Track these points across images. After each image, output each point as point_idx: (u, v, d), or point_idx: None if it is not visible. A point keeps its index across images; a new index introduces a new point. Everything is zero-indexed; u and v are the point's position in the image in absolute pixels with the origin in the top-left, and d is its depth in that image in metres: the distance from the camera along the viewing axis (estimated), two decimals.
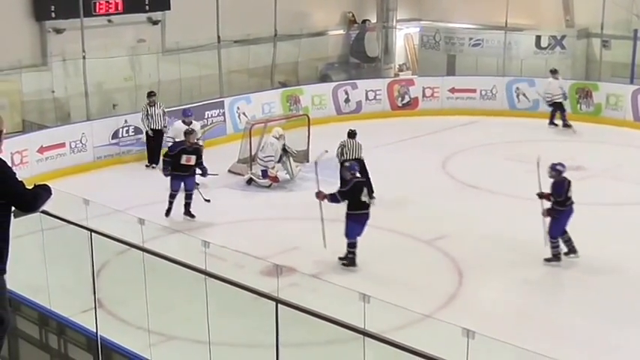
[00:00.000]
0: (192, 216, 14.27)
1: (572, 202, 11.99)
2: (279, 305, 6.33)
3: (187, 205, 14.29)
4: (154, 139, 17.65)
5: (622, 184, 15.56)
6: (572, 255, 12.10)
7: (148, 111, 17.63)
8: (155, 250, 8.31)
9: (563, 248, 12.10)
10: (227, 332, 8.93)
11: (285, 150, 16.62)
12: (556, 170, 12.05)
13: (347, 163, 13.14)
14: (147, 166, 17.71)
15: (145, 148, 17.97)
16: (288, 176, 16.56)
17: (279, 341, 6.51)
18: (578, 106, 21.36)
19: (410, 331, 8.52)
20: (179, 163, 14.11)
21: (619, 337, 9.91)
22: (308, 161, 17.35)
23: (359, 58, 25.50)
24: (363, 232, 12.10)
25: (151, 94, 17.84)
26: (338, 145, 14.71)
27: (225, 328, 8.85)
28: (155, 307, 8.94)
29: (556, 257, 12.02)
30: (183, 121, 16.55)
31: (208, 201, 14.59)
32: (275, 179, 15.89)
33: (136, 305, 9.00)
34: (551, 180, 12.05)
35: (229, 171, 17.08)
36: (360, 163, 13.83)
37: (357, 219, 11.99)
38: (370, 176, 13.94)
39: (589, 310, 10.63)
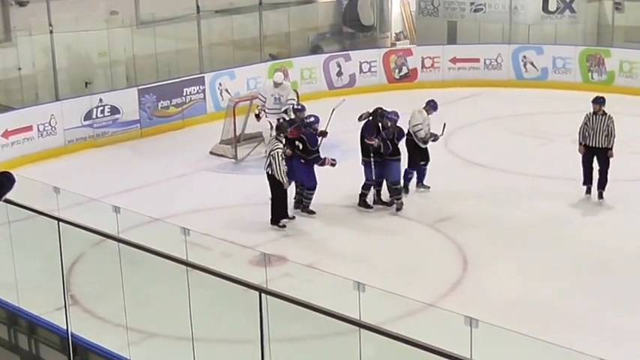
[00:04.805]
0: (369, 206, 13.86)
1: None
2: (266, 297, 6.30)
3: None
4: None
5: (638, 158, 15.57)
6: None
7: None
8: (132, 241, 8.33)
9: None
10: (213, 328, 8.93)
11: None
12: None
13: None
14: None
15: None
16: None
17: (265, 335, 6.51)
18: (590, 74, 21.36)
19: (410, 322, 8.55)
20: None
21: (632, 323, 9.94)
22: None
23: (353, 27, 25.44)
24: None
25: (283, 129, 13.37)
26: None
27: (211, 324, 8.86)
28: (134, 303, 8.95)
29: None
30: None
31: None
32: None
33: (114, 301, 9.02)
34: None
35: (211, 152, 17.10)
36: None
37: None
38: None
39: (602, 296, 10.66)
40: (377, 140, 13.49)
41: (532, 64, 22.00)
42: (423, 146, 14.36)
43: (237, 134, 17.03)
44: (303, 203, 13.60)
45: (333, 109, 14.13)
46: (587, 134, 13.51)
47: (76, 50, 19.78)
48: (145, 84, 19.14)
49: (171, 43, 21.33)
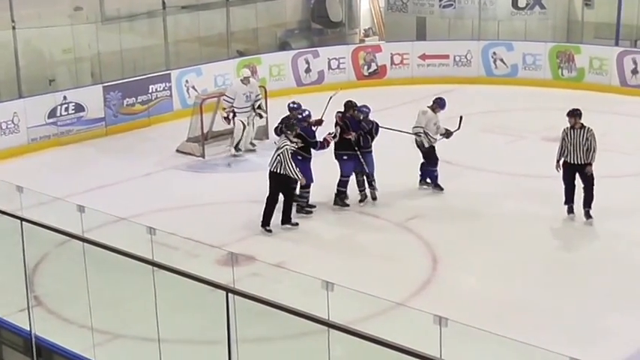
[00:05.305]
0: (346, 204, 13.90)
1: None
2: (234, 297, 6.31)
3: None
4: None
5: (608, 155, 15.69)
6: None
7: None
8: (97, 240, 8.30)
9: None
10: (179, 328, 8.92)
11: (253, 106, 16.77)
12: None
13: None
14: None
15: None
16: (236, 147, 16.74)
17: (232, 336, 6.52)
18: (560, 71, 21.53)
19: (379, 321, 8.58)
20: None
21: (606, 322, 10.02)
22: (268, 138, 17.33)
23: (321, 24, 25.44)
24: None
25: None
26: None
27: (178, 324, 8.85)
28: (99, 303, 8.92)
29: None
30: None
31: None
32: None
33: (79, 302, 8.98)
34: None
35: (178, 150, 17.05)
36: None
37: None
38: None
39: (574, 294, 10.75)
40: (354, 134, 13.57)
41: (502, 60, 22.14)
42: (423, 149, 14.28)
43: (205, 132, 16.99)
44: (299, 203, 13.57)
45: (330, 97, 14.17)
46: (566, 150, 12.70)
47: (40, 47, 19.61)
48: (110, 81, 19.03)
49: (136, 39, 21.22)
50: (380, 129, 13.94)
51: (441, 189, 14.39)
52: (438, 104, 14.40)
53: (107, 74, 19.80)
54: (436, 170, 14.42)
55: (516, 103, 20.10)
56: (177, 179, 15.74)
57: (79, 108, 18.16)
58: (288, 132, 13.02)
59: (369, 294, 7.52)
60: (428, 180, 14.53)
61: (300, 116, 13.61)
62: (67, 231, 8.63)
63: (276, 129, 13.69)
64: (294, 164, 12.72)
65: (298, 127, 13.23)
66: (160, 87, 19.51)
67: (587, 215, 12.82)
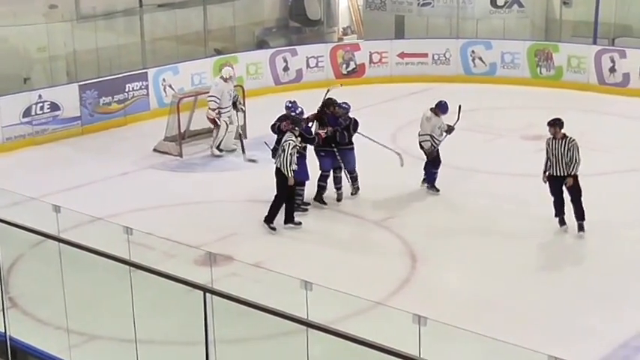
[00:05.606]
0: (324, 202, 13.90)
1: None
2: (212, 297, 6.29)
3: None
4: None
5: (587, 153, 15.76)
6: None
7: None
8: (73, 241, 8.25)
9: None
10: (157, 329, 8.89)
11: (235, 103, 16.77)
12: None
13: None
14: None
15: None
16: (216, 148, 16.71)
17: (210, 336, 6.50)
18: (538, 69, 21.63)
19: (358, 320, 8.59)
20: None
21: (586, 322, 10.08)
22: (246, 137, 17.30)
23: (299, 22, 25.43)
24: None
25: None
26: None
27: (155, 325, 8.81)
28: (75, 304, 8.87)
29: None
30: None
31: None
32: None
33: (55, 303, 8.93)
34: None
35: (155, 150, 16.99)
36: None
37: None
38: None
39: (555, 294, 10.79)
40: (330, 129, 13.64)
41: (480, 59, 22.20)
42: (429, 157, 14.29)
43: (182, 131, 16.95)
44: (296, 201, 13.54)
45: (328, 91, 14.19)
46: (549, 162, 12.33)
47: (14, 45, 19.49)
48: (86, 80, 18.93)
49: (112, 37, 21.14)
50: (359, 125, 14.03)
51: (437, 190, 14.39)
52: (440, 109, 14.30)
53: (83, 73, 19.72)
54: (437, 172, 14.45)
55: (495, 102, 20.16)
56: (155, 179, 15.69)
57: (54, 107, 18.06)
58: (295, 128, 13.01)
59: (348, 293, 7.52)
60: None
61: (292, 114, 13.60)
62: (42, 231, 8.58)
63: (273, 127, 13.63)
64: (290, 161, 12.71)
65: (304, 124, 13.25)
66: (137, 86, 19.43)
67: (580, 228, 12.45)
